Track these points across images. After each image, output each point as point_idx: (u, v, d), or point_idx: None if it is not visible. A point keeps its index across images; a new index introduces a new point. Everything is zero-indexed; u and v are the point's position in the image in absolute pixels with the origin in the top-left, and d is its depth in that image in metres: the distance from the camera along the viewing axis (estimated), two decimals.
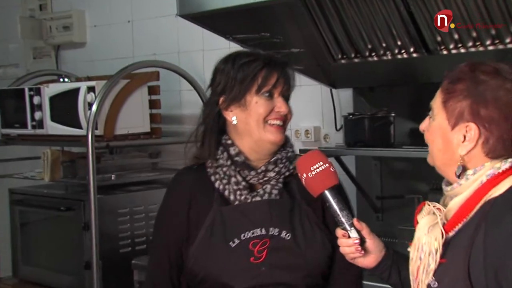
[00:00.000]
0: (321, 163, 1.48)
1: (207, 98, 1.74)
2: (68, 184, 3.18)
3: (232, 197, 1.64)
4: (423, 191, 2.63)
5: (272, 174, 1.66)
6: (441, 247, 1.32)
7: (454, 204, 1.34)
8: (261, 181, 1.66)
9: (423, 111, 2.85)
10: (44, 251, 3.16)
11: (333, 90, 2.92)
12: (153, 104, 3.20)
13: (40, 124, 3.09)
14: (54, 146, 3.31)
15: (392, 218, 2.72)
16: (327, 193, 1.47)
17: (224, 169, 1.66)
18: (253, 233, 1.61)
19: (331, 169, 1.48)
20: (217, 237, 1.62)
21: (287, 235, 1.62)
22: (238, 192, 1.64)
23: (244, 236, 1.61)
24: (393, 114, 2.64)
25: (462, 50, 2.24)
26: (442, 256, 1.32)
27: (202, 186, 1.67)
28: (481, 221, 1.29)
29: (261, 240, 1.61)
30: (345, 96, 2.93)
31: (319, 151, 1.52)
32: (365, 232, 1.48)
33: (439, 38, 2.26)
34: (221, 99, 1.67)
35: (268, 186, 1.65)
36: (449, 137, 1.36)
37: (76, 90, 2.94)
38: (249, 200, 1.63)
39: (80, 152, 3.16)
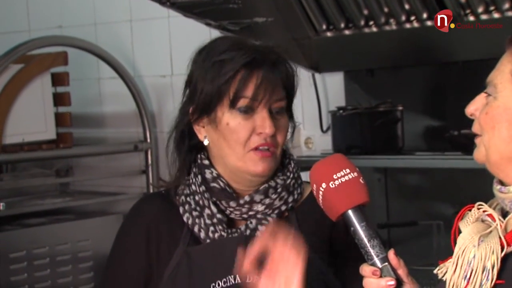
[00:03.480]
0: (348, 170, 1.47)
1: (182, 100, 1.76)
2: None
3: (203, 235, 1.69)
4: (445, 215, 2.64)
5: (260, 207, 1.70)
6: (499, 262, 1.35)
7: None
8: (245, 216, 1.71)
9: (443, 102, 2.85)
10: None
11: (316, 75, 2.92)
12: (60, 99, 3.17)
13: None
14: None
15: (403, 253, 2.71)
16: (351, 214, 1.46)
17: (197, 197, 1.71)
18: (225, 283, 1.66)
19: (361, 180, 1.48)
20: (180, 287, 1.67)
21: None
22: (211, 228, 1.69)
23: (214, 286, 1.66)
24: (400, 108, 2.66)
25: (496, 15, 2.27)
26: (498, 276, 1.35)
27: (169, 218, 1.73)
28: None
29: None
30: (333, 84, 2.93)
31: (344, 156, 1.52)
32: (402, 272, 1.47)
33: None
34: (191, 108, 1.71)
35: (254, 221, 1.69)
36: None
37: None
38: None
39: None
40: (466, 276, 1.37)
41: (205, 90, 1.66)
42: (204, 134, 1.70)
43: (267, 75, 1.66)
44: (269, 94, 1.66)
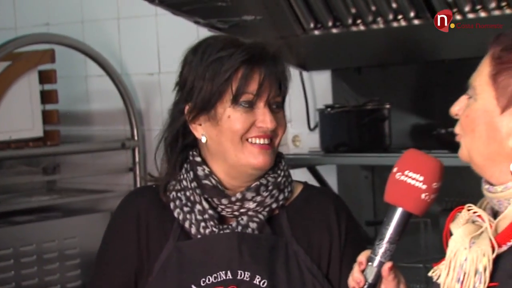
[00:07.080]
0: (422, 178, 1.44)
1: (174, 101, 1.77)
2: None
3: (193, 231, 1.71)
4: (432, 213, 2.63)
5: (251, 205, 1.71)
6: (491, 264, 1.35)
7: None
8: (236, 213, 1.72)
9: (430, 100, 2.86)
10: None
11: (304, 73, 2.93)
12: (47, 97, 3.18)
13: None
14: None
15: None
16: (397, 211, 1.47)
17: (187, 193, 1.72)
18: (216, 278, 1.67)
19: (424, 196, 1.44)
20: (170, 282, 1.68)
21: (263, 282, 1.67)
22: (202, 224, 1.70)
23: (204, 281, 1.67)
24: (388, 106, 2.67)
25: (483, 14, 2.27)
26: (491, 278, 1.36)
27: (160, 211, 1.75)
28: None
29: (226, 287, 1.65)
30: (320, 82, 2.94)
31: (441, 165, 1.46)
32: (384, 285, 1.48)
33: None
34: (187, 107, 1.71)
35: (245, 218, 1.71)
36: (497, 124, 1.38)
37: None
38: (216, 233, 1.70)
39: None
40: (459, 279, 1.37)
41: (205, 88, 1.67)
42: (201, 132, 1.70)
43: (268, 71, 1.68)
44: (271, 89, 1.69)
